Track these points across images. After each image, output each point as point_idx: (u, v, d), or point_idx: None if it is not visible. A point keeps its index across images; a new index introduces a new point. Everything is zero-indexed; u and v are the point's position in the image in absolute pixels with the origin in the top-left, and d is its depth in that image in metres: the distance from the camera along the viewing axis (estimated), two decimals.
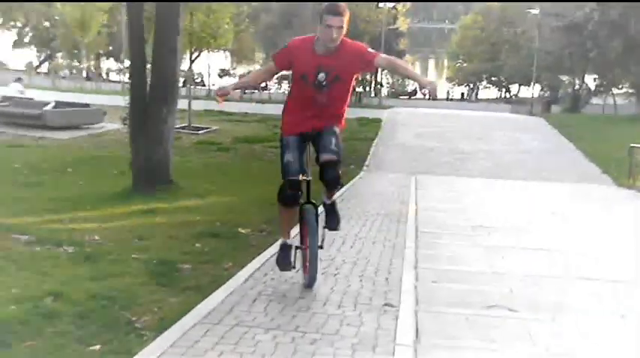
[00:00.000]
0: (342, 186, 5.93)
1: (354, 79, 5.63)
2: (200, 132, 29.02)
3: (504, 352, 4.63)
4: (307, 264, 5.73)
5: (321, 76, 5.42)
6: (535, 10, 54.57)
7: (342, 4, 5.38)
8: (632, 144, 20.13)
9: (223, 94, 5.54)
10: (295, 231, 6.06)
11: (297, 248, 5.85)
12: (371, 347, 4.47)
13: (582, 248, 8.74)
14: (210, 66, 59.14)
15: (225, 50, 57.55)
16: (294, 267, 5.78)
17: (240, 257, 7.32)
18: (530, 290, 6.31)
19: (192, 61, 31.13)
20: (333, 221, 6.09)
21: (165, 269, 6.78)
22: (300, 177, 5.50)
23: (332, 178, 5.57)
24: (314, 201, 5.65)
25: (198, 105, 33.41)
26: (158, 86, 13.95)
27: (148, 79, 14.01)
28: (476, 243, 8.65)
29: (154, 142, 13.85)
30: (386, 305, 5.42)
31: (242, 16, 43.82)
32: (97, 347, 4.58)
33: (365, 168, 20.52)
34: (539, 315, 5.46)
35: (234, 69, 69.48)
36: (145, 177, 13.82)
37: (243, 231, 9.28)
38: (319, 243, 5.64)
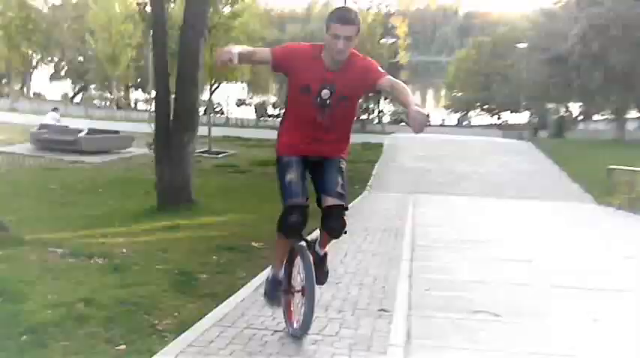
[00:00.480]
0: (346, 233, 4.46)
1: (358, 100, 4.53)
2: (219, 156, 29.21)
3: (487, 352, 4.71)
4: (292, 310, 4.68)
5: (325, 92, 4.24)
6: (523, 44, 54.92)
7: (354, 10, 4.32)
8: (610, 166, 20.33)
9: (228, 59, 4.06)
10: None
11: (280, 290, 4.74)
12: (366, 347, 4.54)
13: (561, 259, 8.81)
14: (228, 96, 59.61)
15: (242, 82, 58.29)
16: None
17: (253, 268, 7.38)
18: (512, 297, 6.39)
19: (212, 92, 31.51)
20: (322, 275, 4.78)
21: (185, 278, 6.87)
22: (306, 201, 4.33)
23: (337, 227, 4.41)
24: (307, 239, 4.59)
25: (217, 132, 33.77)
26: (181, 115, 14.17)
27: (172, 109, 14.22)
28: (465, 255, 8.73)
29: (176, 165, 14.03)
30: (381, 310, 5.50)
31: None
32: (123, 346, 4.68)
33: (368, 188, 20.55)
34: (520, 319, 5.55)
35: (251, 98, 70.07)
36: (169, 197, 13.99)
37: (255, 244, 9.35)
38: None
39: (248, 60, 4.41)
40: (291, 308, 4.68)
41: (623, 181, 18.91)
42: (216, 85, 31.70)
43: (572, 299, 6.37)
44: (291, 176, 4.35)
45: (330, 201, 4.36)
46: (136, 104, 71.36)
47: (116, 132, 30.88)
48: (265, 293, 4.80)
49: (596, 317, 5.70)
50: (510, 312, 5.75)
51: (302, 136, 4.42)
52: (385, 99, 59.02)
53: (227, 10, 23.80)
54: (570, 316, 5.77)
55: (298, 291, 4.59)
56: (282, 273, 4.68)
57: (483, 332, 5.13)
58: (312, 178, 4.55)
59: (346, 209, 4.39)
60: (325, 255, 4.82)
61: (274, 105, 64.92)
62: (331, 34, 4.11)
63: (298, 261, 4.53)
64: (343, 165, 4.52)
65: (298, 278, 4.59)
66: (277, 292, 4.72)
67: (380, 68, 4.29)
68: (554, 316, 5.72)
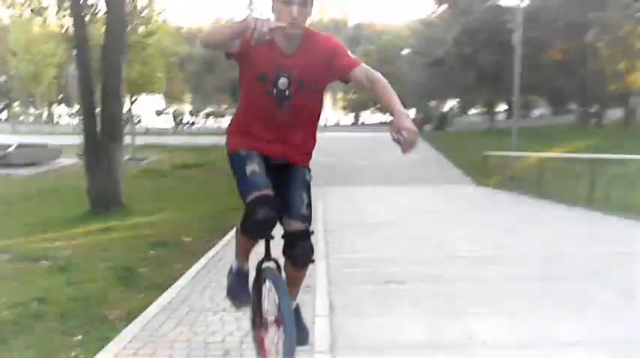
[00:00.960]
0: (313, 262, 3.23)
1: (323, 89, 3.21)
2: (143, 162, 28.73)
3: (397, 316, 4.97)
4: (267, 349, 3.42)
5: (282, 81, 3.03)
6: (407, 50, 56.48)
7: None
8: (485, 152, 21.29)
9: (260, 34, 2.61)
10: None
11: (253, 328, 3.54)
12: None
13: (452, 233, 9.22)
14: (146, 107, 58.54)
15: (158, 93, 57.21)
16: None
17: (187, 260, 7.42)
18: (414, 268, 6.69)
19: (131, 104, 30.94)
20: (302, 333, 3.37)
21: (128, 273, 6.83)
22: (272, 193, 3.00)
23: (302, 255, 3.16)
24: (275, 258, 3.29)
25: (139, 141, 33.21)
26: (107, 126, 13.95)
27: (97, 121, 13.97)
28: (370, 235, 9.03)
29: (106, 172, 13.79)
30: (306, 286, 5.67)
31: (172, 65, 43.21)
32: (79, 337, 4.67)
33: None
34: (421, 285, 5.84)
35: (167, 109, 69.12)
36: (101, 202, 13.73)
37: (186, 239, 9.37)
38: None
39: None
40: (265, 347, 3.44)
41: (496, 165, 19.85)
42: (134, 98, 31.19)
43: (464, 266, 6.74)
44: (252, 167, 3.07)
45: (293, 224, 3.13)
46: (59, 118, 69.00)
47: (44, 145, 29.84)
48: (229, 289, 3.51)
49: (480, 279, 6.07)
50: (413, 280, 6.04)
51: (259, 134, 3.17)
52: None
53: (142, 29, 23.38)
54: (459, 280, 6.12)
55: (273, 323, 3.29)
56: (247, 266, 3.47)
57: (394, 298, 5.39)
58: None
59: (311, 233, 3.17)
60: (297, 307, 3.44)
61: (191, 113, 64.30)
62: (280, 1, 2.90)
63: (268, 285, 3.30)
64: (309, 176, 3.30)
65: (270, 307, 3.32)
66: (244, 287, 3.47)
67: (349, 52, 3.05)
68: (448, 281, 6.05)
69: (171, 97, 68.14)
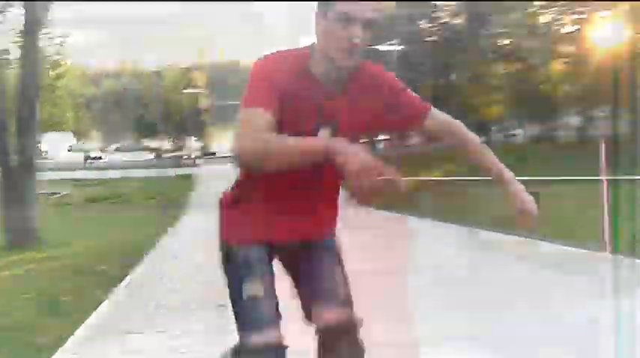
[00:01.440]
0: None
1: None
2: (53, 196, 27.57)
3: None
4: None
5: (324, 134, 1.83)
6: None
7: None
8: None
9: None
10: None
11: None
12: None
13: None
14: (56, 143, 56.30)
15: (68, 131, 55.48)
16: None
17: (106, 286, 7.35)
18: None
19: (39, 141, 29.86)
20: None
21: (52, 302, 6.67)
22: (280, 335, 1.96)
23: (350, 354, 2.03)
24: None
25: (49, 176, 32.04)
26: (24, 163, 13.52)
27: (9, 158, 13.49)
28: None
29: (22, 208, 13.28)
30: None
31: (79, 105, 41.82)
32: None
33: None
34: None
35: (76, 145, 66.90)
36: (16, 236, 13.18)
37: (103, 267, 9.19)
38: None
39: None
40: None
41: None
42: (43, 135, 30.15)
43: None
44: (254, 287, 1.96)
45: (329, 315, 2.04)
46: None
47: None
48: None
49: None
50: None
51: (278, 208, 2.02)
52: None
53: (52, 73, 22.62)
54: None
55: None
56: None
57: None
58: (292, 276, 2.23)
59: (358, 323, 2.10)
60: None
61: (100, 149, 62.67)
62: (336, 17, 1.78)
63: None
64: (338, 248, 2.20)
65: None
66: None
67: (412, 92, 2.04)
68: None
69: (79, 134, 66.11)
